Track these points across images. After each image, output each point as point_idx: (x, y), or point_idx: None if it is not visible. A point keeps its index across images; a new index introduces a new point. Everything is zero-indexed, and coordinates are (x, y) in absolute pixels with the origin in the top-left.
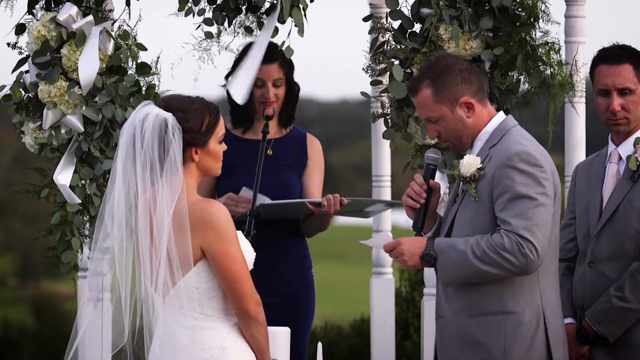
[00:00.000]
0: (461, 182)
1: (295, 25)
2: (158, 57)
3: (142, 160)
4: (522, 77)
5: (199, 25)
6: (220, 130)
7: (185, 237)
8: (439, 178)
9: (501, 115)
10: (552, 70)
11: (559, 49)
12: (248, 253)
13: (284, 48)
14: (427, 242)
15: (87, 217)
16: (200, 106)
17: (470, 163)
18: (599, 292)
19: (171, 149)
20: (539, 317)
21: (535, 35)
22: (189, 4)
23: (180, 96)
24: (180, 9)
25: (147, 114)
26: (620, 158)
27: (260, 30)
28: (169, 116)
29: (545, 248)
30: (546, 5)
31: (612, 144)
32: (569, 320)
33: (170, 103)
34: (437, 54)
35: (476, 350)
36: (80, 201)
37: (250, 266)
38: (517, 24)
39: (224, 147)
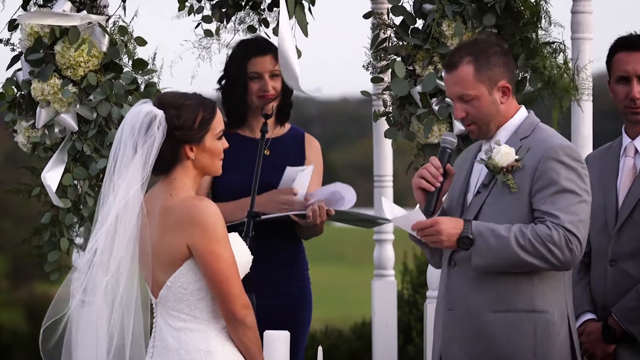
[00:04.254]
0: (489, 172)
1: (298, 25)
2: (155, 54)
3: (130, 158)
4: (527, 76)
5: (199, 24)
6: (218, 126)
7: (170, 235)
8: None
9: (524, 109)
10: (556, 71)
11: (564, 49)
12: (245, 255)
13: None
14: (465, 223)
15: (78, 217)
16: (195, 102)
17: (507, 153)
18: (623, 290)
19: (151, 145)
20: (564, 316)
21: (538, 34)
22: (188, 2)
23: (176, 93)
24: (180, 9)
25: (140, 111)
26: (636, 152)
27: (262, 26)
28: (160, 113)
29: (585, 245)
30: (549, 5)
31: (626, 137)
32: (589, 315)
33: (165, 100)
34: (440, 51)
35: (499, 348)
36: (62, 204)
37: (247, 269)
38: (520, 23)
39: (224, 144)
